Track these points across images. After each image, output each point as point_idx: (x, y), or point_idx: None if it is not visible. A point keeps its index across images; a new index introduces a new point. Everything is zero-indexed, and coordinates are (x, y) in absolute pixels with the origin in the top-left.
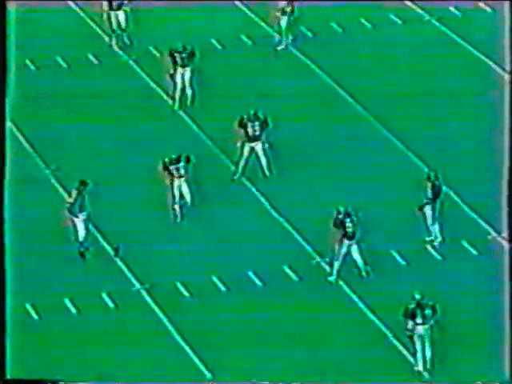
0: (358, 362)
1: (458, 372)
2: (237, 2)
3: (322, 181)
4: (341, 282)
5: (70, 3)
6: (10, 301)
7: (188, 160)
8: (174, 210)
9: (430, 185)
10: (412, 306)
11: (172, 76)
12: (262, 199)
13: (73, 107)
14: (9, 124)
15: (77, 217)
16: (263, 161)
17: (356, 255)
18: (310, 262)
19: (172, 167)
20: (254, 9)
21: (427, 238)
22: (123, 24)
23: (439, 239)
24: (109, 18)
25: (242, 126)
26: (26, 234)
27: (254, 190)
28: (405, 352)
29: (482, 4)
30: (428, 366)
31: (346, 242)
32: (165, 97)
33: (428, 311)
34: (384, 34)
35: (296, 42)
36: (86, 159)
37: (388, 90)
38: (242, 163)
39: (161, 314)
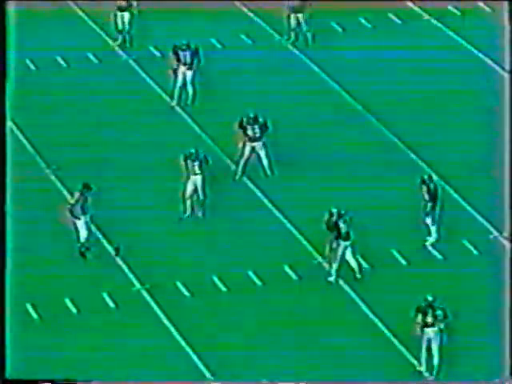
0: (359, 362)
1: (459, 370)
2: (237, 3)
3: (323, 180)
4: (341, 282)
5: (70, 3)
6: (11, 300)
7: (206, 160)
8: (184, 203)
9: (425, 188)
10: (424, 304)
11: (175, 71)
12: (263, 198)
13: (73, 107)
14: (9, 123)
15: (78, 218)
16: (264, 161)
17: (349, 257)
18: (311, 261)
19: (189, 162)
20: (255, 9)
21: (428, 238)
22: (126, 25)
23: (434, 238)
24: (115, 18)
25: (242, 127)
26: (27, 233)
27: (254, 189)
28: (405, 351)
29: (481, 4)
30: (434, 373)
31: (342, 243)
32: (165, 97)
33: (439, 312)
34: (384, 34)
35: (297, 42)
36: (86, 158)
37: (389, 91)
38: (242, 163)
39: (161, 314)
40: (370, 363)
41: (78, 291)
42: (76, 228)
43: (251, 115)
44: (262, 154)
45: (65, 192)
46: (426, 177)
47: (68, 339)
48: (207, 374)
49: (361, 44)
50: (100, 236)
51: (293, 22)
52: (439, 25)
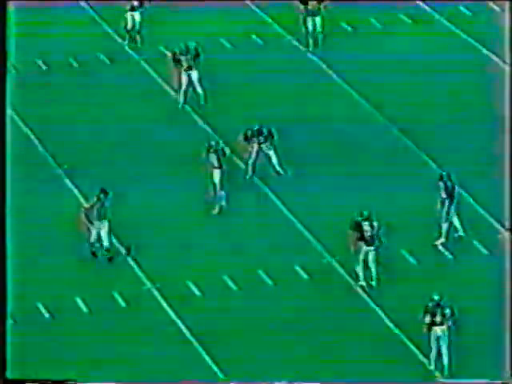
0: (370, 361)
1: (466, 369)
2: (248, 2)
3: (334, 181)
4: (352, 282)
5: (70, 3)
6: (21, 301)
7: (223, 153)
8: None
9: (442, 185)
10: (432, 304)
11: (179, 76)
12: (274, 198)
13: (82, 107)
14: (9, 120)
15: (91, 223)
16: (274, 159)
17: (371, 263)
18: (321, 261)
19: (211, 155)
20: (266, 9)
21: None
22: (137, 25)
23: (443, 239)
24: (125, 18)
25: (247, 141)
26: (39, 233)
27: (265, 189)
28: (416, 351)
29: (491, 3)
30: (445, 373)
31: (365, 247)
32: (176, 96)
33: (447, 310)
34: (393, 34)
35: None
36: (97, 158)
37: (400, 91)
38: (250, 162)
39: (172, 314)
40: (382, 362)
41: (89, 291)
42: (89, 229)
43: (255, 127)
44: (271, 152)
45: (76, 190)
46: (444, 174)
47: (79, 338)
48: (219, 373)
49: (371, 44)
50: (111, 236)
51: (310, 25)
52: (450, 25)
